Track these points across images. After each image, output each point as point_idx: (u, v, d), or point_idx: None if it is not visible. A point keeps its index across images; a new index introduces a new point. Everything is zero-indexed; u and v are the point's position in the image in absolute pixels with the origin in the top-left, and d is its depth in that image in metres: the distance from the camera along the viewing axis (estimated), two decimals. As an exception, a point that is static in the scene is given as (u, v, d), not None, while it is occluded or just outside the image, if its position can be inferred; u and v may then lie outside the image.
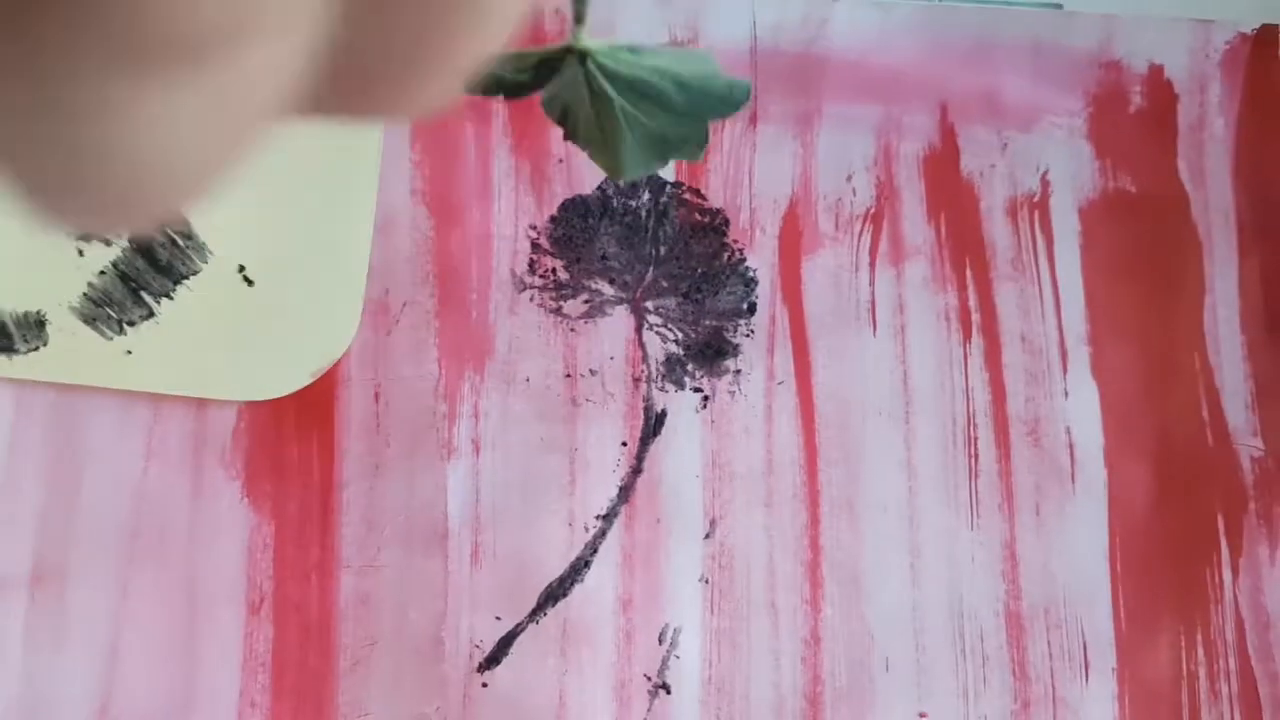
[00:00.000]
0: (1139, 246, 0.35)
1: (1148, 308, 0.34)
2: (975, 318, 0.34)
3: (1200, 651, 0.32)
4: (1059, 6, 0.36)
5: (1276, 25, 0.35)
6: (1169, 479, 0.33)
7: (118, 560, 0.31)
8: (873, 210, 0.35)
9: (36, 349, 0.31)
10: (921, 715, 0.31)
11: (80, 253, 0.32)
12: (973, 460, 0.33)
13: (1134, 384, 0.34)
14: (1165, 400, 0.34)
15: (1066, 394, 0.33)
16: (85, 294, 0.32)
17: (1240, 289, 0.34)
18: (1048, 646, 0.32)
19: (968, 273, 0.34)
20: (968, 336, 0.34)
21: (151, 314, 0.32)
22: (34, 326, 0.31)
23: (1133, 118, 0.35)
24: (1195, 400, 0.34)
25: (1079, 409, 0.33)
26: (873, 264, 0.34)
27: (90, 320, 0.32)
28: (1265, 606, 0.32)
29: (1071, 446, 0.33)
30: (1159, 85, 0.36)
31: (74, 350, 0.32)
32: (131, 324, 0.32)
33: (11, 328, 0.31)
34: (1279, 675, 0.32)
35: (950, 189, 0.35)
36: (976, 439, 0.33)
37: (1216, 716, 0.32)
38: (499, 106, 0.34)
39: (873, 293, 0.34)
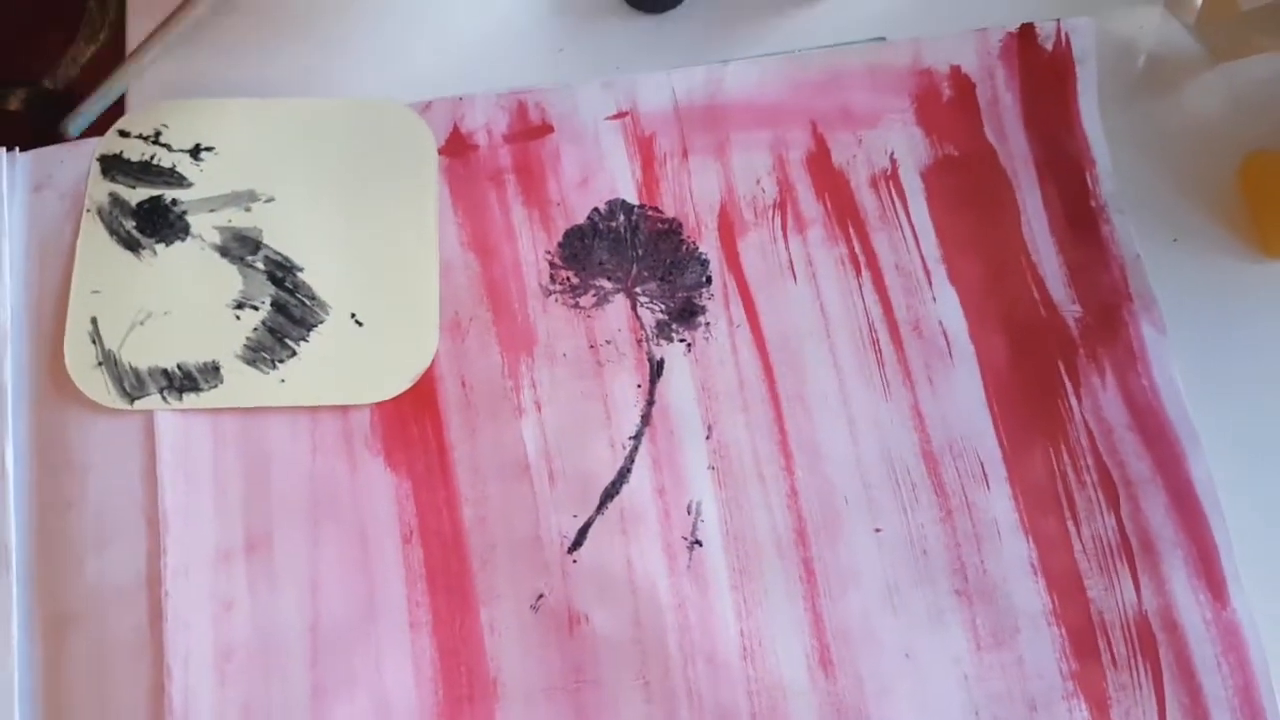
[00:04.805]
0: (967, 190, 0.41)
1: (981, 230, 0.40)
2: (861, 259, 0.40)
3: (1065, 456, 0.38)
4: (882, 39, 0.42)
5: (1033, 23, 0.42)
6: (1019, 343, 0.39)
7: (306, 523, 0.38)
8: (778, 200, 0.41)
9: (215, 386, 0.40)
10: (877, 529, 0.38)
11: (237, 317, 0.41)
12: (878, 354, 0.39)
13: (981, 283, 0.40)
14: (1005, 290, 0.40)
15: (934, 299, 0.40)
16: (245, 344, 0.40)
17: (1044, 205, 0.41)
18: (956, 471, 0.38)
19: (850, 230, 0.41)
20: (859, 272, 0.40)
21: (295, 353, 0.40)
22: (211, 371, 0.40)
23: (946, 105, 0.41)
24: (1027, 286, 0.40)
25: (945, 307, 0.40)
26: (785, 236, 0.41)
27: (251, 362, 0.40)
28: (1105, 418, 0.39)
29: (945, 334, 0.40)
30: (960, 79, 0.42)
31: (243, 384, 0.40)
32: (281, 361, 0.40)
33: (195, 374, 0.40)
34: (1124, 463, 0.38)
35: (828, 176, 0.41)
36: (878, 340, 0.40)
37: (1085, 499, 0.38)
38: (510, 177, 0.42)
39: (789, 255, 0.40)
